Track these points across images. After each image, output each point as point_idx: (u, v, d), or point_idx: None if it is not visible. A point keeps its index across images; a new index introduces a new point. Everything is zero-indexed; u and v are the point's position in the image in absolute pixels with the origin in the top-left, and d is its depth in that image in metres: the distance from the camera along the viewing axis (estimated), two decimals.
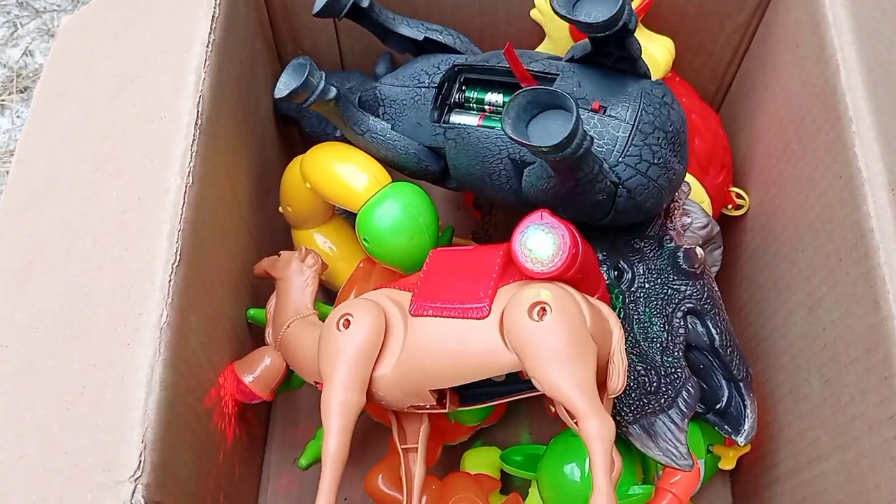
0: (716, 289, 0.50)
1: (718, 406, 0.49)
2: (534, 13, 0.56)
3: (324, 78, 0.46)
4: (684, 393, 0.47)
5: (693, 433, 0.51)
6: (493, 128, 0.47)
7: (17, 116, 0.77)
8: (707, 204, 0.55)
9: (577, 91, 0.45)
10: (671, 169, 0.45)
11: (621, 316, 0.49)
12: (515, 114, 0.38)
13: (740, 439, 0.48)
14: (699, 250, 0.49)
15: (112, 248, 0.41)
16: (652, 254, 0.50)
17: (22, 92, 0.78)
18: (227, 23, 0.47)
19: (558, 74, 0.46)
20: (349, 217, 0.56)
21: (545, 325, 0.37)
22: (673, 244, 0.50)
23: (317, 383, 0.46)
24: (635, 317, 0.48)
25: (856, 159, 0.42)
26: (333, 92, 0.46)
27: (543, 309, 0.38)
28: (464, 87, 0.50)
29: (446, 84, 0.50)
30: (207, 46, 0.45)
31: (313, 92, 0.45)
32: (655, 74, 0.54)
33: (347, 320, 0.42)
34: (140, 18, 0.50)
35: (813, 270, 0.46)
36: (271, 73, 0.58)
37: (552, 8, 0.41)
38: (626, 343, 0.48)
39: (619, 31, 0.41)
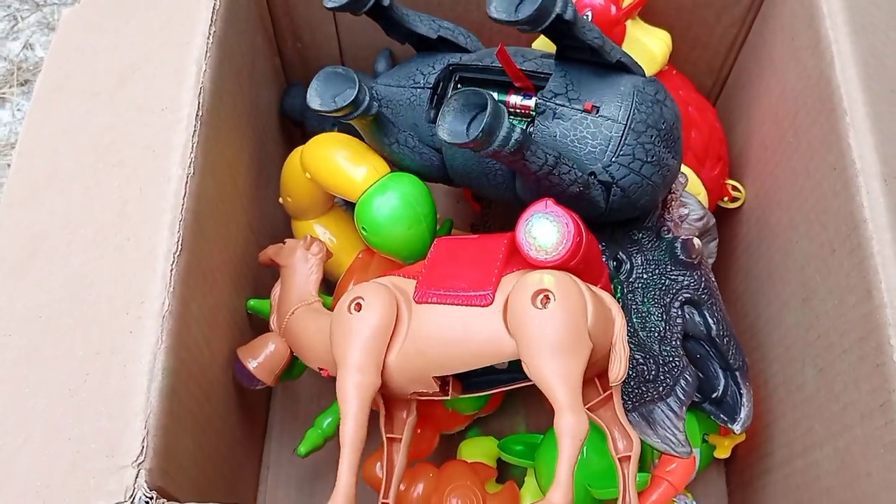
0: (713, 279, 0.51)
1: (715, 395, 0.50)
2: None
3: (369, 93, 0.45)
4: (682, 381, 0.47)
5: (689, 422, 0.52)
6: None
7: (18, 109, 0.77)
8: (703, 196, 0.56)
9: (570, 91, 0.45)
10: (665, 166, 0.46)
11: (620, 306, 0.49)
12: (452, 117, 0.39)
13: (736, 427, 0.49)
14: (697, 241, 0.49)
15: (114, 237, 0.41)
16: (650, 245, 0.50)
17: (22, 85, 0.78)
18: (228, 15, 0.48)
19: (551, 73, 0.46)
20: (348, 208, 0.56)
21: (546, 313, 0.38)
22: (671, 235, 0.50)
23: (321, 369, 0.46)
24: (633, 307, 0.49)
25: (850, 150, 0.42)
26: (376, 108, 0.46)
27: (547, 297, 0.38)
28: (459, 86, 0.51)
29: (441, 84, 0.50)
30: (208, 38, 0.45)
31: (359, 107, 0.45)
32: (652, 68, 0.54)
33: (359, 304, 0.42)
34: (141, 11, 0.51)
35: (807, 261, 0.47)
36: (271, 66, 0.59)
37: (490, 17, 0.41)
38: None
39: (554, 24, 0.41)
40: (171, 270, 0.39)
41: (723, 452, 0.53)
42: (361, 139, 0.51)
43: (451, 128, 0.39)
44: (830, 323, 0.44)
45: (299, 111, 0.61)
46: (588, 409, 0.43)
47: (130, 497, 0.34)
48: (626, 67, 0.46)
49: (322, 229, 0.57)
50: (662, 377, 0.47)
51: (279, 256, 0.51)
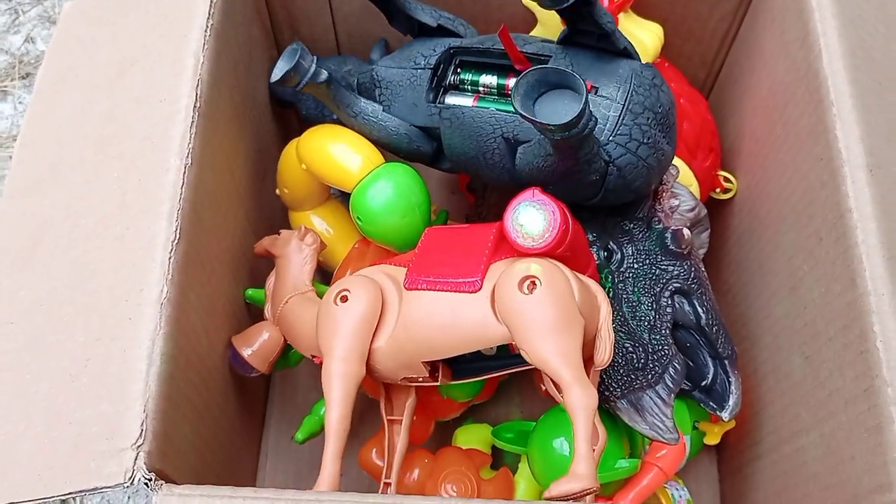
0: (702, 269, 0.52)
1: (704, 383, 0.51)
2: (525, 0, 0.57)
3: (315, 62, 0.47)
4: (671, 369, 0.48)
5: (679, 410, 0.53)
6: (487, 108, 0.48)
7: (20, 102, 0.78)
8: (695, 187, 0.56)
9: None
10: (660, 149, 0.47)
11: (611, 295, 0.50)
12: (524, 91, 0.39)
13: (725, 415, 0.50)
14: (686, 231, 0.50)
15: (114, 227, 0.42)
16: (641, 235, 0.51)
17: (24, 78, 0.79)
18: (226, 8, 0.48)
19: (551, 56, 0.47)
20: (344, 199, 0.57)
21: (534, 297, 0.39)
22: (661, 226, 0.51)
23: (314, 357, 0.47)
24: (624, 296, 0.50)
25: (836, 141, 0.43)
26: (324, 75, 0.47)
27: (533, 283, 0.39)
28: (459, 69, 0.51)
29: (442, 66, 0.51)
30: (206, 31, 0.46)
31: (304, 75, 0.46)
32: (644, 60, 0.55)
33: (345, 295, 0.43)
34: (140, 4, 0.51)
35: (795, 251, 0.48)
36: (268, 59, 0.59)
37: None
38: (615, 321, 0.49)
39: (577, 4, 0.42)
40: (170, 259, 0.40)
41: (712, 439, 0.54)
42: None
43: (522, 103, 0.39)
44: (817, 311, 0.45)
45: (291, 93, 0.61)
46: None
47: (130, 479, 0.35)
48: (622, 52, 0.47)
49: (318, 220, 0.57)
50: (651, 365, 0.48)
51: (274, 247, 0.52)
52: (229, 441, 0.51)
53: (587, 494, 0.35)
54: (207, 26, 0.46)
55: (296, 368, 0.55)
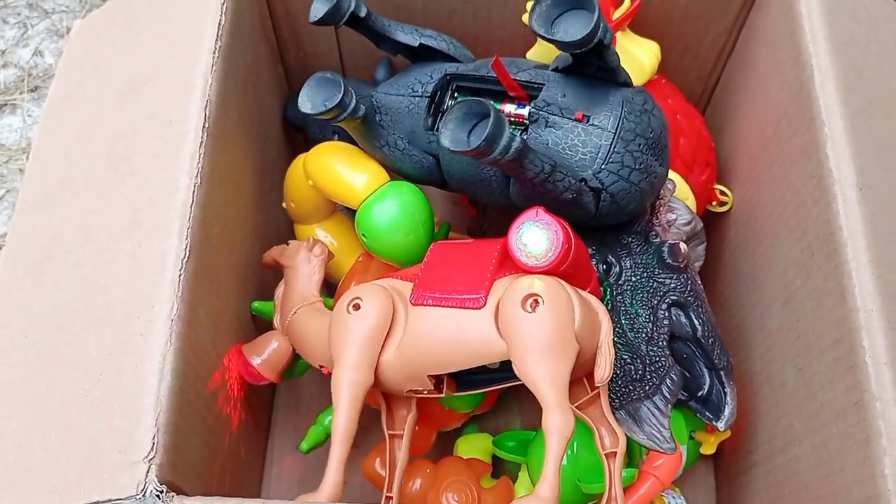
0: (699, 282, 0.53)
1: (700, 393, 0.52)
2: (525, 18, 0.58)
3: (355, 96, 0.47)
4: (668, 381, 0.49)
5: (676, 420, 0.54)
6: None
7: (28, 115, 0.80)
8: (691, 201, 0.57)
9: (562, 101, 0.47)
10: (652, 172, 0.48)
11: (609, 308, 0.51)
12: (454, 126, 0.41)
13: (720, 425, 0.51)
14: (683, 245, 0.51)
15: (125, 244, 0.43)
16: (639, 249, 0.52)
17: (32, 91, 0.81)
18: (233, 30, 0.50)
19: (544, 84, 0.48)
20: (349, 213, 0.58)
21: (535, 316, 0.40)
22: (658, 239, 0.52)
23: (321, 366, 0.48)
24: (622, 308, 0.51)
25: (827, 160, 0.44)
26: (363, 110, 0.48)
27: (536, 301, 0.40)
28: (456, 95, 0.53)
29: (439, 93, 0.52)
30: (214, 53, 0.47)
31: (346, 110, 0.47)
32: (641, 78, 0.56)
33: (357, 304, 0.44)
34: (149, 24, 0.53)
35: (788, 265, 0.49)
36: (274, 75, 0.61)
37: (531, 28, 0.43)
38: (613, 333, 0.50)
39: (595, 47, 0.43)
40: (180, 277, 0.41)
41: (709, 448, 0.55)
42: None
43: (453, 136, 0.41)
44: (809, 325, 0.46)
45: (301, 118, 0.63)
46: (576, 406, 0.45)
47: (142, 491, 0.36)
48: (614, 79, 0.48)
49: (324, 233, 0.59)
50: (649, 376, 0.49)
51: (283, 257, 0.54)
52: (236, 450, 0.52)
53: None
54: (216, 48, 0.47)
55: (300, 379, 0.56)
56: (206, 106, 0.46)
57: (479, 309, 0.42)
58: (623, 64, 0.50)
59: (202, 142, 0.45)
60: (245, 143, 0.53)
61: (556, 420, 0.38)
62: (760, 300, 0.53)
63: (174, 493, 0.37)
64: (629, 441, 0.51)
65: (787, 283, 0.49)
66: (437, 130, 0.52)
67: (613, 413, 0.49)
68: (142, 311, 0.41)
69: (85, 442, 0.38)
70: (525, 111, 0.49)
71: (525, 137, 0.48)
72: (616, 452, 0.43)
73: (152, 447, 0.37)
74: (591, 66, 0.47)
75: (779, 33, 0.51)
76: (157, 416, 0.38)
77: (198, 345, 0.43)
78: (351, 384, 0.43)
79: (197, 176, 0.44)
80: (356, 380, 0.43)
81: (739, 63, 0.59)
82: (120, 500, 0.36)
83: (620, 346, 0.50)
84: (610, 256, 0.52)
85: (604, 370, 0.42)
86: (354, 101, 0.47)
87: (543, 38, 0.43)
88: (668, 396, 0.49)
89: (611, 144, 0.46)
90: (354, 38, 0.62)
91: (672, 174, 0.56)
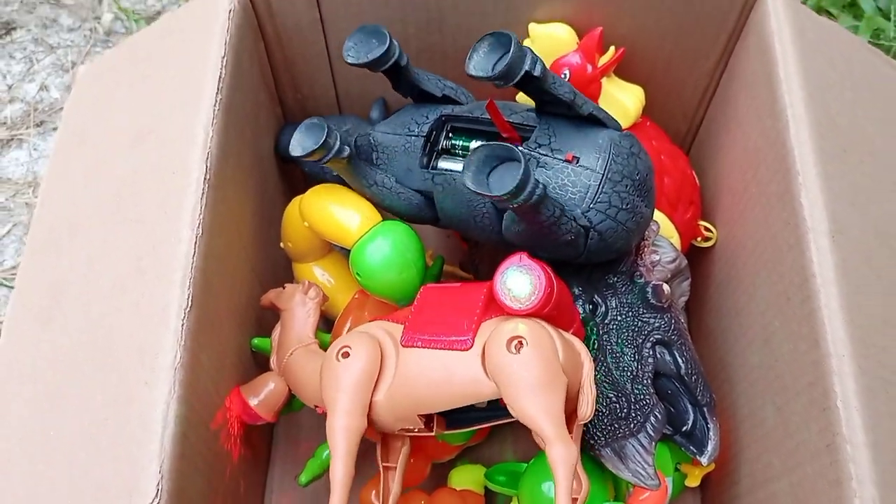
0: (682, 321, 0.55)
1: (684, 428, 0.54)
2: None
3: (339, 138, 0.49)
4: (652, 419, 0.51)
5: (662, 453, 0.55)
6: None
7: (34, 149, 0.82)
8: (676, 239, 0.59)
9: (552, 142, 0.49)
10: (639, 213, 0.50)
11: (595, 346, 0.53)
12: (476, 167, 0.43)
13: (704, 460, 0.53)
14: (666, 287, 0.53)
15: (131, 292, 0.45)
16: (624, 288, 0.54)
17: (38, 126, 0.83)
18: (233, 81, 0.52)
19: (535, 126, 0.51)
20: (345, 252, 0.60)
21: (521, 357, 0.42)
22: (643, 280, 0.54)
23: (316, 407, 0.50)
24: (608, 347, 0.53)
25: (801, 209, 0.46)
26: (347, 151, 0.50)
27: (520, 342, 0.42)
28: (451, 134, 0.55)
29: (434, 133, 0.54)
30: (215, 106, 0.49)
31: (329, 151, 0.49)
32: (626, 121, 0.58)
33: (346, 352, 0.46)
34: (153, 73, 0.55)
35: (767, 306, 0.51)
36: (273, 117, 0.63)
37: (468, 74, 0.45)
38: (599, 372, 0.52)
39: (525, 78, 0.45)
40: (182, 326, 0.43)
41: (693, 481, 0.56)
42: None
43: (475, 177, 0.42)
44: (786, 366, 0.48)
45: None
46: None
47: None
48: (598, 120, 0.50)
49: (321, 271, 0.61)
50: (634, 414, 0.51)
51: (279, 301, 0.55)
52: (236, 484, 0.54)
53: None
54: (216, 101, 0.49)
55: (298, 413, 0.58)
56: (207, 158, 0.47)
57: (467, 350, 0.44)
58: (608, 109, 0.52)
59: (203, 193, 0.47)
60: (245, 188, 0.55)
61: (560, 452, 0.39)
62: (743, 336, 0.55)
63: None
64: (616, 476, 0.53)
65: (766, 324, 0.51)
66: (432, 168, 0.54)
67: (594, 451, 0.51)
68: (146, 358, 0.43)
69: (91, 486, 0.40)
70: None
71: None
72: (577, 499, 0.44)
73: (157, 494, 0.39)
74: (558, 104, 0.49)
75: (757, 78, 0.53)
76: (161, 463, 0.39)
77: (201, 390, 0.44)
78: (345, 430, 0.44)
79: (198, 227, 0.46)
80: (350, 426, 0.44)
81: (722, 104, 0.61)
82: None
83: (606, 385, 0.52)
84: (596, 296, 0.54)
85: (586, 408, 0.44)
86: (339, 143, 0.49)
87: (479, 78, 0.45)
88: (653, 434, 0.51)
89: (599, 185, 0.48)
90: (350, 81, 0.65)
91: (657, 214, 0.58)
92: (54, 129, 0.82)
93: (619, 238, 0.49)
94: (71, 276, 0.48)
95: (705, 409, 0.53)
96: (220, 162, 0.49)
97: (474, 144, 0.53)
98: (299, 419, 0.64)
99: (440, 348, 0.45)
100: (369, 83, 0.63)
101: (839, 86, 0.52)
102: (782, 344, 0.48)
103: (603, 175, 0.48)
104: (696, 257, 0.63)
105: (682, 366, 0.53)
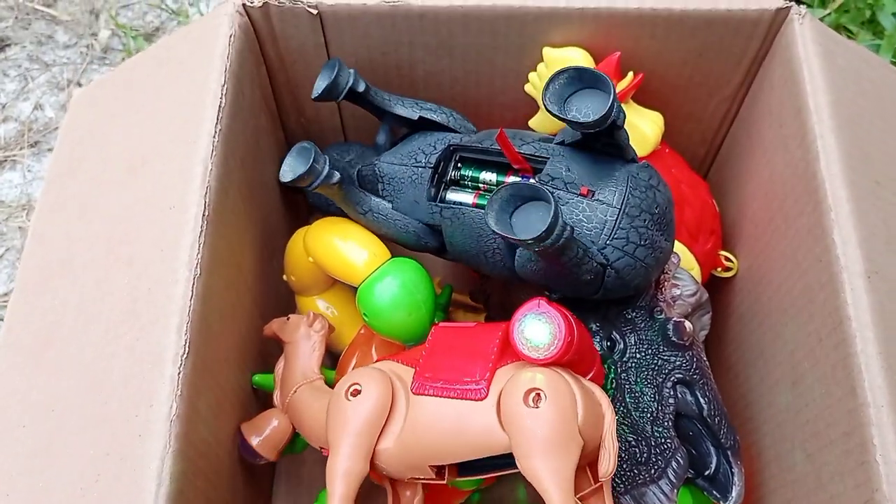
0: (704, 359, 0.52)
1: (707, 472, 0.51)
2: (528, 88, 0.58)
3: (327, 163, 0.48)
4: (674, 463, 0.48)
5: (684, 498, 0.53)
6: None
7: (28, 171, 0.79)
8: (696, 271, 0.57)
9: (567, 175, 0.47)
10: (658, 248, 0.47)
11: (614, 386, 0.50)
12: (499, 206, 0.40)
13: None
14: (688, 324, 0.51)
15: (125, 336, 0.43)
16: (643, 324, 0.52)
17: (33, 146, 0.80)
18: (233, 110, 0.49)
19: (549, 157, 0.48)
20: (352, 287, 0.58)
21: (538, 412, 0.39)
22: (663, 315, 0.52)
23: (322, 448, 0.48)
24: (627, 386, 0.50)
25: (834, 246, 0.44)
26: (337, 177, 0.48)
27: (539, 395, 0.39)
28: (459, 165, 0.52)
29: (442, 164, 0.52)
30: (214, 137, 0.47)
31: (318, 177, 0.48)
32: (645, 149, 0.56)
33: (357, 389, 0.43)
34: (150, 100, 0.52)
35: (796, 346, 0.48)
36: (276, 142, 0.60)
37: (544, 107, 0.43)
38: (617, 413, 0.50)
39: (608, 128, 0.43)
40: (179, 374, 0.40)
41: None
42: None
43: (497, 217, 0.40)
44: (818, 411, 0.45)
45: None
46: (579, 498, 0.45)
47: None
48: (615, 151, 0.47)
49: (325, 304, 0.58)
50: (654, 459, 0.48)
51: (283, 332, 0.53)
52: None
53: None
54: (215, 132, 0.47)
55: (301, 453, 0.56)
56: (206, 193, 0.45)
57: (482, 400, 0.42)
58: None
59: (202, 230, 0.44)
60: (245, 218, 0.52)
61: None
62: (769, 375, 0.52)
63: None
64: None
65: (795, 364, 0.48)
66: (440, 201, 0.51)
67: (619, 498, 0.49)
68: (140, 409, 0.40)
69: None
70: None
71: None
72: None
73: None
74: (599, 142, 0.47)
75: (784, 109, 0.51)
76: None
77: (198, 441, 0.42)
78: (347, 475, 0.42)
79: (196, 267, 0.43)
80: (351, 470, 0.42)
81: (743, 128, 0.59)
82: None
83: (625, 428, 0.49)
84: (614, 333, 0.51)
85: (608, 465, 0.42)
86: (327, 167, 0.48)
87: (557, 116, 0.43)
88: (675, 480, 0.48)
89: (616, 220, 0.45)
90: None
91: (677, 245, 0.55)
92: (49, 149, 0.79)
93: (637, 275, 0.47)
94: (63, 318, 0.46)
95: (729, 453, 0.51)
96: (219, 195, 0.46)
97: (484, 176, 0.51)
98: (301, 460, 0.62)
99: (453, 397, 0.42)
100: None
101: (870, 115, 0.50)
102: (813, 387, 0.46)
103: (620, 209, 0.45)
104: (715, 288, 0.60)
105: (705, 406, 0.50)
